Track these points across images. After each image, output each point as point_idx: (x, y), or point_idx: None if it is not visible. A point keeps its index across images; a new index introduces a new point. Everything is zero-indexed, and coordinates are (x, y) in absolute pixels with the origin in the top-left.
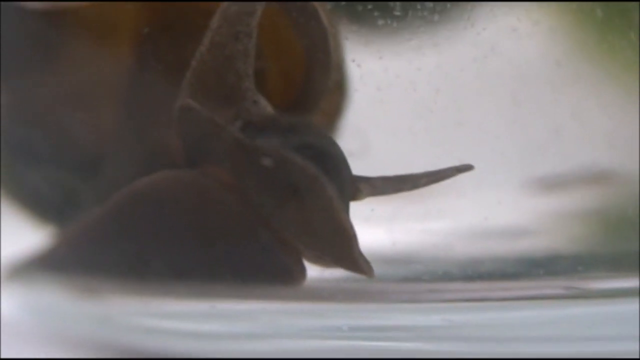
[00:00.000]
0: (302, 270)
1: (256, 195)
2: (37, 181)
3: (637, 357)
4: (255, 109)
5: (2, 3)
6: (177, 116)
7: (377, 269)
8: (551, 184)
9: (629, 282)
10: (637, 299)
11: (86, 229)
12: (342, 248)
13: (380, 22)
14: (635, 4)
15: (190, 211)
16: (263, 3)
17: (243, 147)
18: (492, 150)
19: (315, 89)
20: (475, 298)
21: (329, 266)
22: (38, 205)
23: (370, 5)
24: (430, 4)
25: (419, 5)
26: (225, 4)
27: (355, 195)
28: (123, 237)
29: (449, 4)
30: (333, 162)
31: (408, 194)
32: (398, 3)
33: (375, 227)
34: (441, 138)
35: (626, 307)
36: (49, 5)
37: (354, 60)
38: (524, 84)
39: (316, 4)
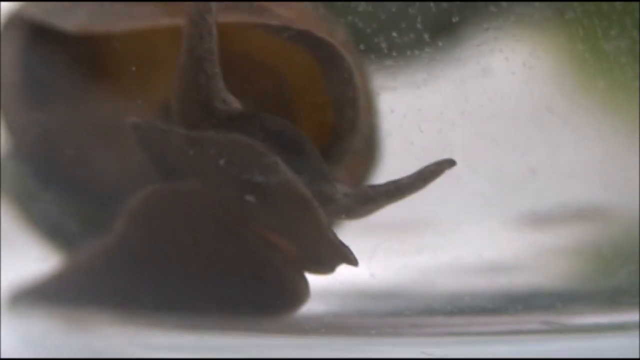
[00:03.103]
0: (306, 285)
1: (223, 195)
2: (57, 210)
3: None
4: (224, 107)
5: (39, 27)
6: (132, 137)
7: (358, 304)
8: (530, 220)
9: (606, 318)
10: (614, 334)
11: (87, 260)
12: (313, 228)
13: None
14: (618, 52)
15: (179, 225)
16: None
17: (192, 142)
18: (471, 187)
19: (342, 144)
20: (456, 332)
21: (326, 269)
22: (55, 234)
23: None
24: (427, 42)
25: (416, 50)
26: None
27: (333, 193)
28: (120, 267)
29: (440, 42)
30: (294, 147)
31: (389, 229)
32: (395, 44)
33: None
34: None
35: (603, 343)
36: (88, 29)
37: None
38: (508, 123)
39: (351, 61)
